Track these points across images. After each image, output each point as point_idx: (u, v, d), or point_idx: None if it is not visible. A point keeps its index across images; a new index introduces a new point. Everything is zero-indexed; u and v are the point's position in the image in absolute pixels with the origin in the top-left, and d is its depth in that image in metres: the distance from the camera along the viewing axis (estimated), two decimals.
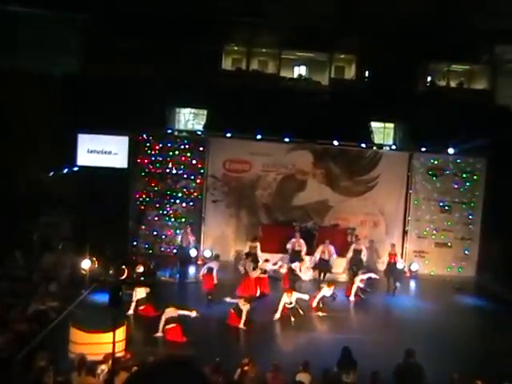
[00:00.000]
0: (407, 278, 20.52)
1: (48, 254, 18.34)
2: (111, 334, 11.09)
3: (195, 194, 22.82)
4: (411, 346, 12.85)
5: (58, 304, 15.16)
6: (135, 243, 22.40)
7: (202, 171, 22.81)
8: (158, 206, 22.65)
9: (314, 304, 16.72)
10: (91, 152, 22.42)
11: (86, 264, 16.76)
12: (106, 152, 22.53)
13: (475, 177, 23.38)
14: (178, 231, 22.08)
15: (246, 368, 11.53)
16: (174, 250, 21.91)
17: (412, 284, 20.36)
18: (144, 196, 22.62)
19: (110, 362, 10.14)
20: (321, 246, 20.37)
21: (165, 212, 22.66)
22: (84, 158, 22.37)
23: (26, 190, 19.97)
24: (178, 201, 22.70)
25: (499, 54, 28.12)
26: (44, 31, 24.12)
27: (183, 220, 22.68)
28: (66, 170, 22.15)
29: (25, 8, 24.19)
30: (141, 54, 24.47)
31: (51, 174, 21.34)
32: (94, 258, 17.24)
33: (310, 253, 20.75)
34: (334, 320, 17.10)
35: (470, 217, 23.45)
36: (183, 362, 3.40)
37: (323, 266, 20.22)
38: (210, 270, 17.76)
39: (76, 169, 22.21)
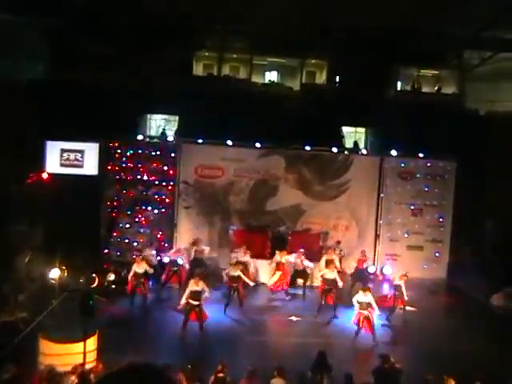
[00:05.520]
0: (380, 281, 20.58)
1: (17, 264, 18.01)
2: (82, 343, 10.97)
3: (167, 200, 22.66)
4: (385, 348, 12.93)
5: (27, 315, 14.88)
6: (107, 251, 22.15)
7: (173, 177, 22.67)
8: (129, 213, 22.43)
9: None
10: (61, 159, 22.13)
11: (55, 273, 16.48)
12: (76, 159, 22.25)
13: (445, 180, 23.64)
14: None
15: (219, 374, 11.45)
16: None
17: (385, 287, 20.38)
18: (115, 203, 22.39)
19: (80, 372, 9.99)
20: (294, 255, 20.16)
21: (136, 219, 22.46)
22: (54, 166, 22.05)
23: None
24: (149, 207, 22.51)
25: (467, 59, 28.55)
26: (10, 36, 23.70)
27: (155, 227, 22.49)
28: (35, 178, 21.79)
29: None
30: (110, 60, 24.27)
31: (20, 182, 20.97)
32: (64, 267, 16.98)
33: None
34: (308, 324, 17.12)
35: (441, 219, 23.71)
36: (148, 367, 3.37)
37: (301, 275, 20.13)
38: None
39: (46, 176, 21.87)
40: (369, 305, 15.76)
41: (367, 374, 12.20)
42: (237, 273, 17.98)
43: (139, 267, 17.69)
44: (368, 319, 15.73)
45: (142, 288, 17.70)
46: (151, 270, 18.00)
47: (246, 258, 20.03)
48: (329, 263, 18.90)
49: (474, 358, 14.38)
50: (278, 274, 19.57)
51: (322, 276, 18.61)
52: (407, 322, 17.37)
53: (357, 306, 15.84)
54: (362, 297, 15.83)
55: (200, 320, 15.61)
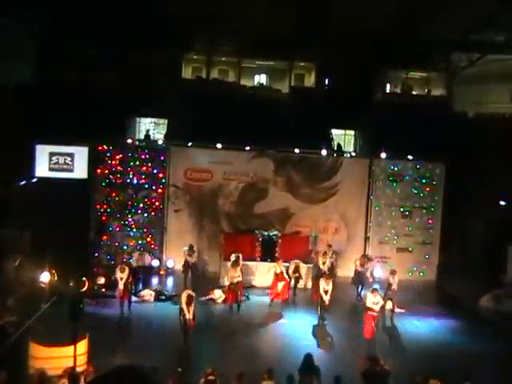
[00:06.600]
0: (370, 283, 20.64)
1: (6, 268, 17.92)
2: (72, 347, 10.94)
3: (157, 203, 22.62)
4: (374, 351, 12.96)
5: (16, 319, 14.80)
6: (96, 254, 22.09)
7: (163, 181, 22.64)
8: (119, 216, 22.36)
9: None
10: (50, 163, 22.05)
11: (45, 277, 16.40)
12: (65, 163, 22.18)
13: (434, 182, 23.74)
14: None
15: (210, 377, 11.44)
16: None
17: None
18: (105, 207, 22.32)
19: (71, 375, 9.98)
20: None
21: (126, 222, 22.41)
22: (43, 170, 21.98)
23: None
24: (139, 211, 22.47)
25: (456, 61, 28.75)
26: None
27: (145, 230, 22.48)
28: (24, 182, 21.70)
29: None
30: (99, 64, 24.25)
31: (10, 185, 20.88)
32: (54, 271, 16.90)
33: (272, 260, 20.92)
34: (297, 327, 17.14)
35: (430, 221, 23.81)
36: (135, 371, 3.41)
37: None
38: None
39: (35, 180, 21.80)
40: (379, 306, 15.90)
41: (356, 376, 12.24)
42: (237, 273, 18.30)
43: (123, 273, 17.61)
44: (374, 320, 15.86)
45: (128, 291, 17.53)
46: (130, 278, 17.86)
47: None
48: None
49: (463, 360, 14.46)
50: (281, 284, 19.04)
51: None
52: (396, 323, 17.44)
53: (372, 306, 15.83)
54: (372, 298, 15.89)
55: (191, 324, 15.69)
